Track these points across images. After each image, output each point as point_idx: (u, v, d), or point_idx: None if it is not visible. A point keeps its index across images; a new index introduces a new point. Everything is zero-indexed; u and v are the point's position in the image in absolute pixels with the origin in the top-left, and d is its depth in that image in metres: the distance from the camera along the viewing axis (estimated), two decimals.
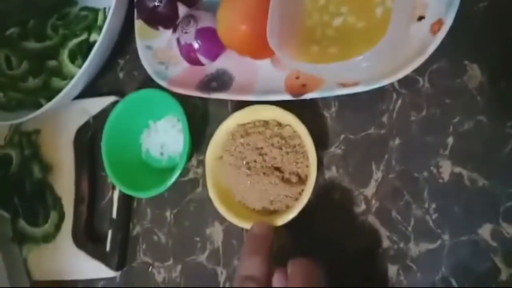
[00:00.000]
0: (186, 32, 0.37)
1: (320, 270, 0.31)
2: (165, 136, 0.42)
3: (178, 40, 0.38)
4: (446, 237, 0.32)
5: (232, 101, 0.40)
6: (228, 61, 0.40)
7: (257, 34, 0.35)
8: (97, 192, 0.45)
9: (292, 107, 0.36)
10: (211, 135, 0.38)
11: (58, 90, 0.43)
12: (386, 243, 0.33)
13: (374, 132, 0.35)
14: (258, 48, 0.36)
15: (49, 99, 0.44)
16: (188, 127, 0.38)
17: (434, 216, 0.32)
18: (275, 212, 0.35)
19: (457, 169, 0.32)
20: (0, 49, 0.47)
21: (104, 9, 0.45)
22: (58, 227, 0.45)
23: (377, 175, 0.34)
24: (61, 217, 0.45)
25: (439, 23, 0.32)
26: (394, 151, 0.34)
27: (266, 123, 0.36)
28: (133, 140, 0.43)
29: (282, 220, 0.34)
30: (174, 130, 0.42)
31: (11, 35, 0.47)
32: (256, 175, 0.34)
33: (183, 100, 0.42)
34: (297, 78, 0.37)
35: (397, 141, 0.34)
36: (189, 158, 0.40)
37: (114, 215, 0.43)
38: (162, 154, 0.42)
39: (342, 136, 0.36)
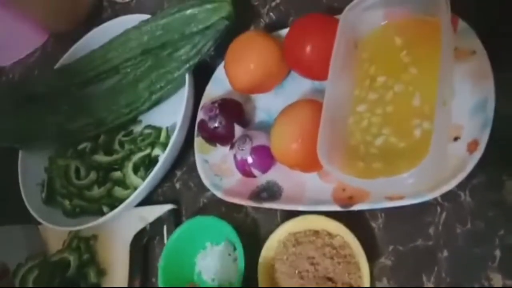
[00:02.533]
0: (242, 149, 0.42)
1: None
2: (219, 262, 0.43)
3: (234, 156, 0.43)
4: None
5: (281, 209, 0.43)
6: (277, 174, 0.44)
7: (306, 151, 0.39)
8: None
9: (339, 217, 0.38)
10: (261, 242, 0.40)
11: (120, 199, 0.47)
12: None
13: (422, 243, 0.36)
14: (308, 163, 0.40)
15: (111, 206, 0.48)
16: (244, 258, 0.40)
17: None
18: None
19: (509, 282, 0.33)
20: (72, 161, 0.52)
21: (166, 128, 0.51)
22: None
23: (428, 286, 0.35)
24: None
25: (475, 143, 0.35)
26: (443, 263, 0.35)
27: (316, 232, 0.39)
28: (189, 259, 0.45)
29: None
30: (229, 258, 0.43)
31: (83, 149, 0.53)
32: (309, 285, 0.36)
33: (234, 209, 0.45)
34: (344, 190, 0.40)
35: (445, 253, 0.35)
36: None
37: None
38: (213, 280, 0.43)
39: (391, 247, 0.37)
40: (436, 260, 0.35)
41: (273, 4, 0.53)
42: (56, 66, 0.59)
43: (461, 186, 0.36)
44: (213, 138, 0.45)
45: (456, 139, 0.37)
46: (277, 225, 0.40)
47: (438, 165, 0.35)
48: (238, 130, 0.45)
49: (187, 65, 0.47)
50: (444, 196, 0.36)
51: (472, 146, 0.35)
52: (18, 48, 0.74)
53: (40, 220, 0.50)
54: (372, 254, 0.37)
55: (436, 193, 0.35)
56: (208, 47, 0.47)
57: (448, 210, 0.36)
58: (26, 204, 0.51)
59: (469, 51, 0.38)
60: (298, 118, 0.40)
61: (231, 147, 0.44)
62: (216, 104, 0.44)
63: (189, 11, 0.47)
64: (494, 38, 0.37)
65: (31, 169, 0.54)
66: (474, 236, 0.35)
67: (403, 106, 0.39)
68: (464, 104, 0.37)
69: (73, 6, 0.67)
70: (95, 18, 0.68)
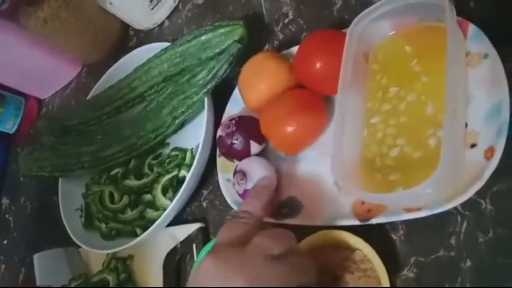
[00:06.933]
0: (239, 184, 0.44)
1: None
2: None
3: (233, 184, 0.45)
4: None
5: (301, 225, 0.44)
6: (297, 189, 0.45)
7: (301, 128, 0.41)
8: None
9: (360, 230, 0.38)
10: None
11: (152, 220, 0.50)
12: None
13: (444, 254, 0.36)
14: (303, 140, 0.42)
15: (143, 228, 0.51)
16: None
17: None
18: None
19: None
20: (106, 186, 0.55)
21: (191, 149, 0.53)
22: None
23: None
24: None
25: (491, 149, 0.34)
26: (466, 273, 0.34)
27: (336, 247, 0.39)
28: None
29: None
30: None
31: (115, 174, 0.56)
32: None
33: None
34: (363, 203, 0.40)
35: (468, 263, 0.35)
36: None
37: None
38: None
39: (413, 259, 0.37)
40: (459, 270, 0.35)
41: (286, 21, 0.54)
42: (88, 97, 0.63)
43: (481, 194, 0.35)
44: (230, 154, 0.46)
45: (473, 146, 0.36)
46: (298, 241, 0.41)
47: (453, 174, 0.35)
48: (255, 147, 0.46)
49: (205, 89, 0.49)
50: (465, 205, 0.36)
51: (489, 153, 0.34)
52: (55, 80, 0.79)
53: (80, 244, 0.53)
54: (394, 267, 0.37)
55: (455, 203, 0.34)
56: (223, 70, 0.49)
57: (469, 219, 0.36)
58: (67, 229, 0.55)
59: (481, 55, 0.37)
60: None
61: (234, 174, 0.45)
62: (233, 121, 0.46)
63: (203, 37, 0.49)
64: (507, 41, 0.36)
65: (70, 196, 0.58)
66: (497, 244, 0.34)
67: (417, 116, 0.39)
68: (479, 109, 0.36)
69: (103, 37, 0.71)
70: (123, 46, 0.72)
